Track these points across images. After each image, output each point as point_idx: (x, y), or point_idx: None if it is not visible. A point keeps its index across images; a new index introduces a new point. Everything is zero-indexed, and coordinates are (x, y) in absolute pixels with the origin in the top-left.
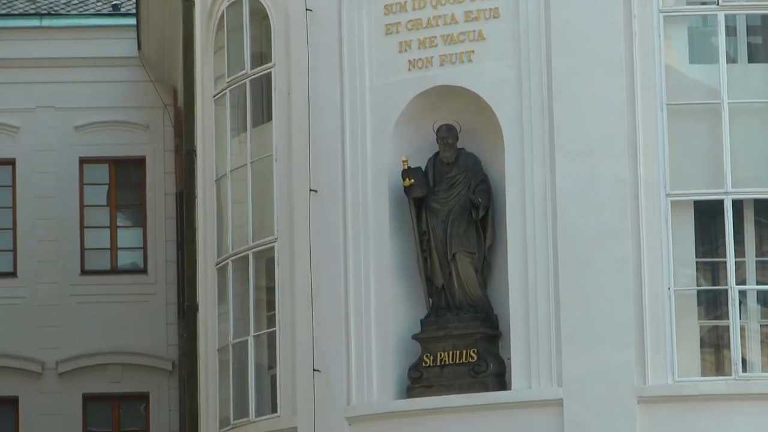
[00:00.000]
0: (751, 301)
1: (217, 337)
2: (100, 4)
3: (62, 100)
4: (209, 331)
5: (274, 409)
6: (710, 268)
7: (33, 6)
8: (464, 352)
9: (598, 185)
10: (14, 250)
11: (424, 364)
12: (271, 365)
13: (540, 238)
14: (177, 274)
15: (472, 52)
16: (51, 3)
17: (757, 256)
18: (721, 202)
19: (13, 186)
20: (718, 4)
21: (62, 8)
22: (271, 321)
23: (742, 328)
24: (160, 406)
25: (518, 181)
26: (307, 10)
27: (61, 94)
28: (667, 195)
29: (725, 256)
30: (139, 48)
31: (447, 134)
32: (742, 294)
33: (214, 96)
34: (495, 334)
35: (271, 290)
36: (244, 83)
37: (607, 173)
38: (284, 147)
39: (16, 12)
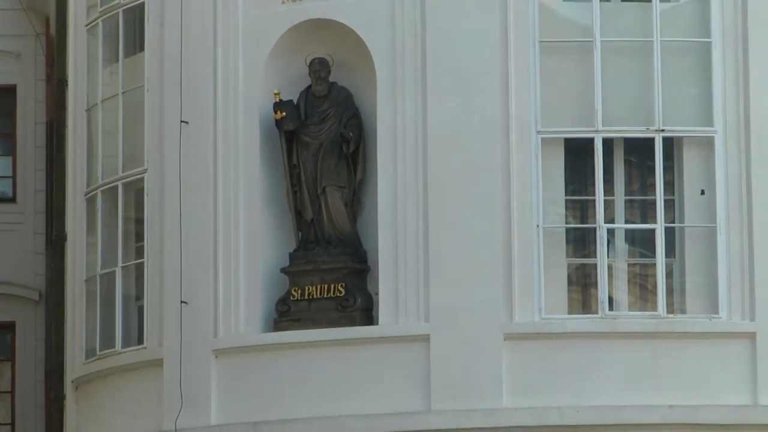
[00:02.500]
0: (619, 240)
1: (84, 268)
2: None
3: None
4: (77, 261)
5: (140, 341)
6: (579, 207)
7: None
8: (332, 286)
9: (469, 121)
10: None
11: (291, 298)
12: (139, 296)
13: (410, 173)
14: (46, 203)
15: None
16: None
17: (626, 195)
18: (591, 141)
19: None
20: None
21: None
22: (140, 252)
23: (610, 267)
24: (27, 336)
25: (390, 115)
26: None
27: None
28: (538, 132)
29: (594, 195)
30: None
31: (319, 68)
32: (611, 233)
33: (87, 25)
34: (363, 269)
35: (140, 221)
36: (117, 13)
37: (478, 109)
38: (156, 78)
39: None
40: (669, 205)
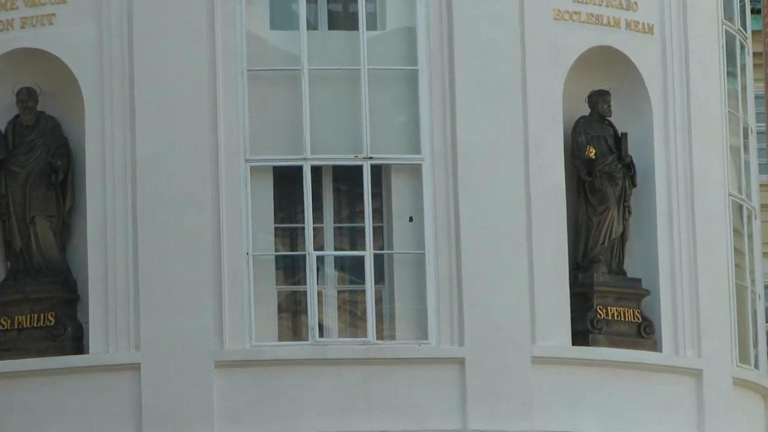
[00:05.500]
0: (329, 267)
1: None
2: None
3: None
4: None
5: None
6: (289, 234)
7: None
8: (42, 315)
9: (177, 149)
10: None
11: (1, 328)
12: None
13: (119, 201)
14: None
15: (54, 15)
16: None
17: (335, 222)
18: (300, 168)
19: None
20: None
21: None
22: None
23: (320, 294)
24: None
25: (98, 144)
26: None
27: None
28: (247, 160)
29: (304, 222)
30: None
31: (27, 97)
32: (320, 260)
33: None
34: (73, 298)
35: None
36: None
37: (186, 138)
38: None
39: None
40: (378, 231)
